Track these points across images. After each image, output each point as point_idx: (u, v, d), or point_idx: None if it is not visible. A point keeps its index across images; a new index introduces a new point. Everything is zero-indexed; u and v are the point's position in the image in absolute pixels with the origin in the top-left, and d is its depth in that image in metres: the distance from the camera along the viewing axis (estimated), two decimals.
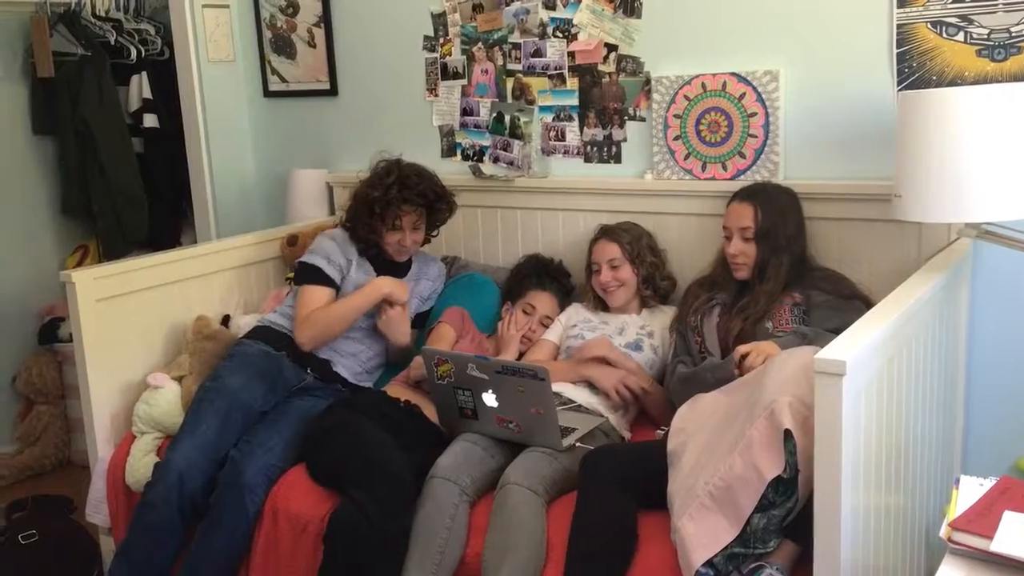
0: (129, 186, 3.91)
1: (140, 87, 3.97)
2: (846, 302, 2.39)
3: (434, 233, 3.05)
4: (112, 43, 3.92)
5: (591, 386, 2.60)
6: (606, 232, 2.82)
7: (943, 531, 1.37)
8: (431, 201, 2.91)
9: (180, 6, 3.66)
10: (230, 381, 2.67)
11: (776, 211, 2.49)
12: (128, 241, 3.95)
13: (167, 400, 2.78)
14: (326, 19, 3.59)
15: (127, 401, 2.89)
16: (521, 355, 2.85)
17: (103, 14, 3.96)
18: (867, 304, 2.38)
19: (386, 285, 2.82)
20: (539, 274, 2.99)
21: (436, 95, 3.40)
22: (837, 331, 1.85)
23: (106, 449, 2.85)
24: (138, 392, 2.87)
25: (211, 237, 3.77)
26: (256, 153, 3.93)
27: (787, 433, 1.80)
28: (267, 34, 3.77)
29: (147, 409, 2.78)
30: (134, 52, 3.92)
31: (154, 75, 3.98)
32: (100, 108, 3.86)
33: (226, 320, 3.16)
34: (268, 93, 3.83)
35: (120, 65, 3.95)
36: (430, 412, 2.61)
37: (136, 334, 2.96)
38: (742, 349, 2.25)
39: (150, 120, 3.97)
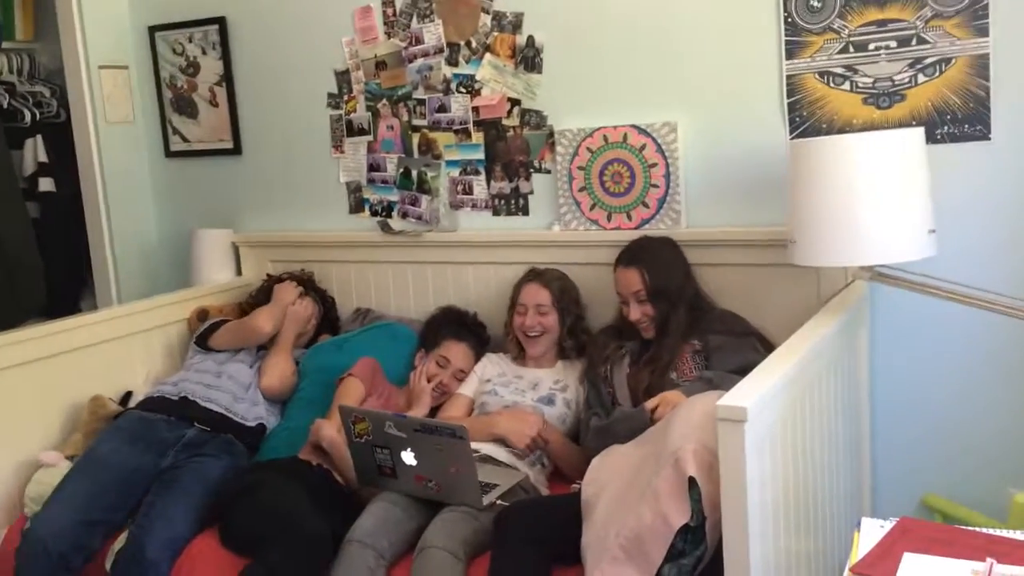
0: (24, 252, 3.77)
1: (35, 150, 3.85)
2: (741, 340, 2.43)
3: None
4: (5, 106, 3.80)
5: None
6: (538, 276, 2.81)
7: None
8: None
9: (76, 68, 3.59)
10: (99, 449, 2.72)
11: (661, 267, 2.53)
12: (23, 309, 3.80)
13: (60, 479, 2.64)
14: (228, 78, 3.55)
15: (21, 480, 2.76)
16: (435, 409, 2.81)
17: None
18: (760, 339, 2.45)
19: None
20: (456, 324, 2.97)
21: (342, 151, 3.38)
22: (737, 370, 1.86)
23: None
24: (31, 471, 2.76)
25: (112, 302, 3.66)
26: (159, 215, 3.84)
27: (691, 480, 1.80)
28: (167, 94, 3.71)
29: (39, 489, 2.66)
30: (28, 115, 3.81)
31: (50, 138, 3.87)
32: None
33: (127, 397, 3.05)
34: (170, 153, 3.76)
35: (14, 128, 3.83)
36: (339, 476, 2.56)
37: (30, 408, 2.85)
38: (649, 405, 2.27)
39: (46, 184, 3.86)
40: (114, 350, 3.11)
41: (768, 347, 2.36)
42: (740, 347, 2.38)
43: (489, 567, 2.09)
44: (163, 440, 2.71)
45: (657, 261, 2.53)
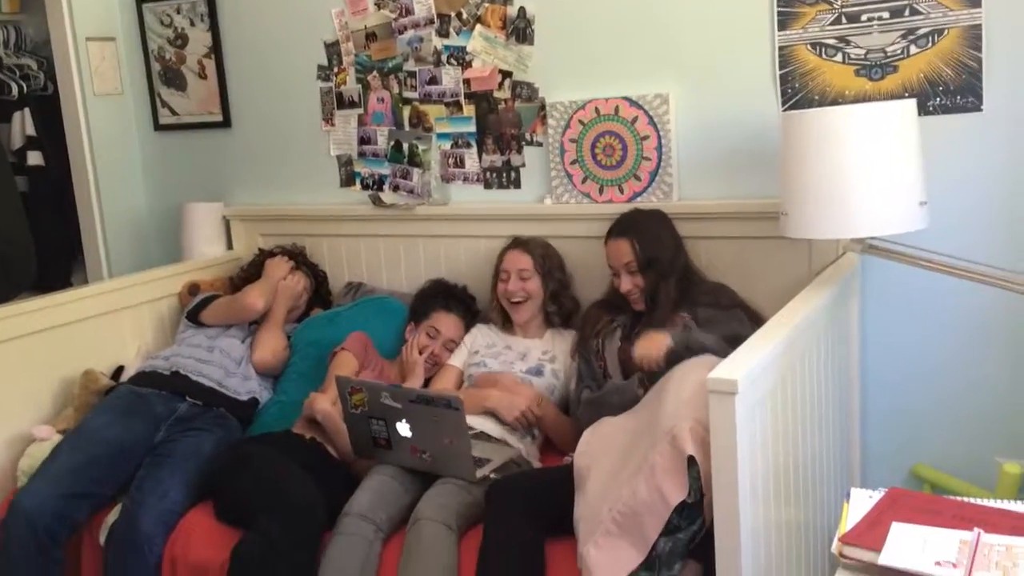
0: (14, 227, 3.72)
1: (23, 124, 3.80)
2: (727, 313, 2.44)
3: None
4: None
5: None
6: (520, 243, 2.82)
7: (834, 546, 1.38)
8: None
9: (63, 40, 3.54)
10: (90, 423, 2.69)
11: (652, 238, 2.53)
12: (14, 284, 3.77)
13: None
14: (216, 50, 3.51)
15: (13, 454, 2.76)
16: (426, 381, 2.81)
17: None
18: (747, 311, 2.45)
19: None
20: (445, 296, 2.97)
21: (332, 124, 3.35)
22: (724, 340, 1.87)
23: None
24: (24, 445, 2.75)
25: (103, 277, 3.64)
26: (148, 188, 3.82)
27: (690, 459, 1.80)
28: (156, 66, 3.68)
29: (31, 463, 2.65)
30: (15, 88, 3.77)
31: (38, 111, 3.82)
32: None
33: (118, 372, 3.05)
34: (159, 126, 3.73)
35: (1, 101, 3.79)
36: (333, 449, 2.57)
37: (22, 382, 2.84)
38: (636, 354, 2.29)
39: (35, 158, 3.81)
40: (105, 324, 3.10)
41: (754, 319, 2.38)
42: (727, 320, 2.39)
43: (482, 540, 2.10)
44: (155, 414, 2.72)
45: (648, 232, 2.53)
